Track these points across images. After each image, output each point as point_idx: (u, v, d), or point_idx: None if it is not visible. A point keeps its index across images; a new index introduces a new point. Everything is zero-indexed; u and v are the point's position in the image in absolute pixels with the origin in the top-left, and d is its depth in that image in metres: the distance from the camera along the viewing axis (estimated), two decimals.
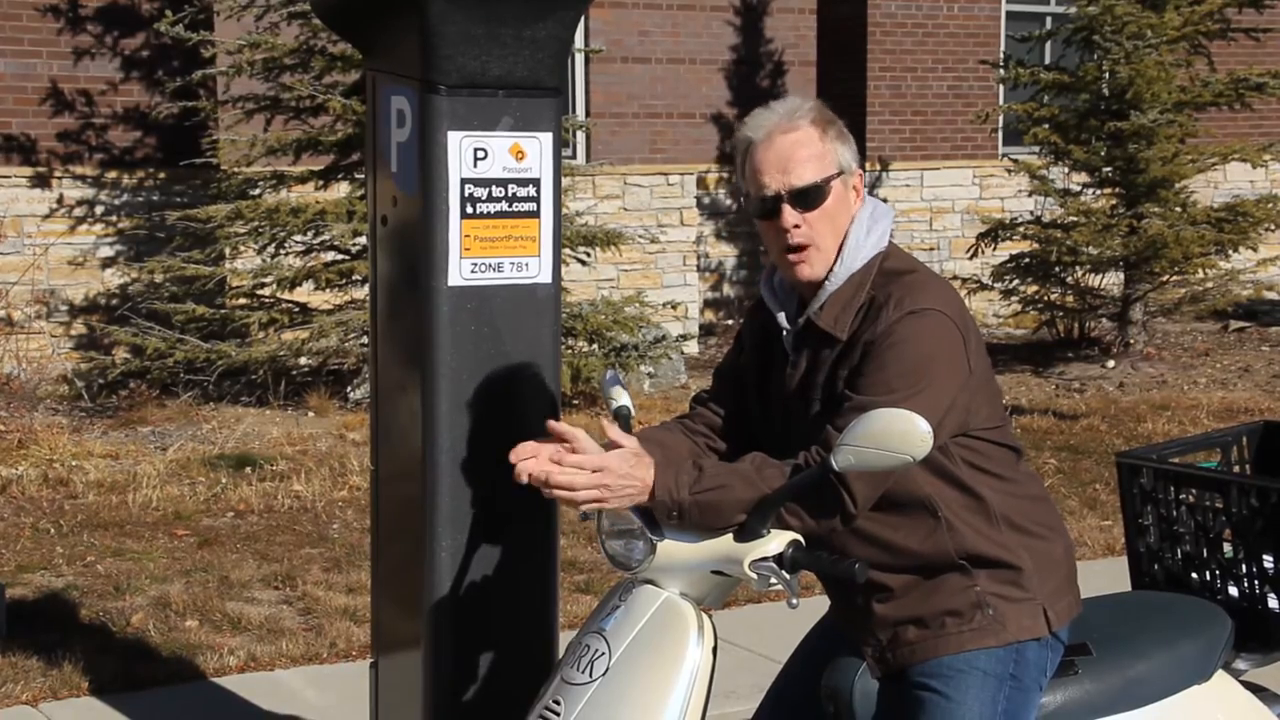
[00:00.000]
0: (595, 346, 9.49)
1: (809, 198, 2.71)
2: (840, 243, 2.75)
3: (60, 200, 10.67)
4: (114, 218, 10.79)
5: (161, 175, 10.90)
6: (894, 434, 2.42)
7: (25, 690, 4.96)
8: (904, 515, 2.74)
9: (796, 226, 2.72)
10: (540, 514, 3.45)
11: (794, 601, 2.54)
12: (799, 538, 2.57)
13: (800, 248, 2.73)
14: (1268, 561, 3.18)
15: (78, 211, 10.72)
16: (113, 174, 10.82)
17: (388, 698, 3.67)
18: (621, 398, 2.99)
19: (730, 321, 12.72)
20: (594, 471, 2.58)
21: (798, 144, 2.71)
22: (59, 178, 10.68)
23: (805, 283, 2.77)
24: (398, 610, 3.61)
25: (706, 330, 12.50)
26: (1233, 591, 3.26)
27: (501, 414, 3.39)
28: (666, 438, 2.91)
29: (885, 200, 13.41)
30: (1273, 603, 3.18)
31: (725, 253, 13.10)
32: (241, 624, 5.66)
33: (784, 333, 2.81)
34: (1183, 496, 3.31)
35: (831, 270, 2.74)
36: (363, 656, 5.15)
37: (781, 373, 2.81)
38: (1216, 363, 11.42)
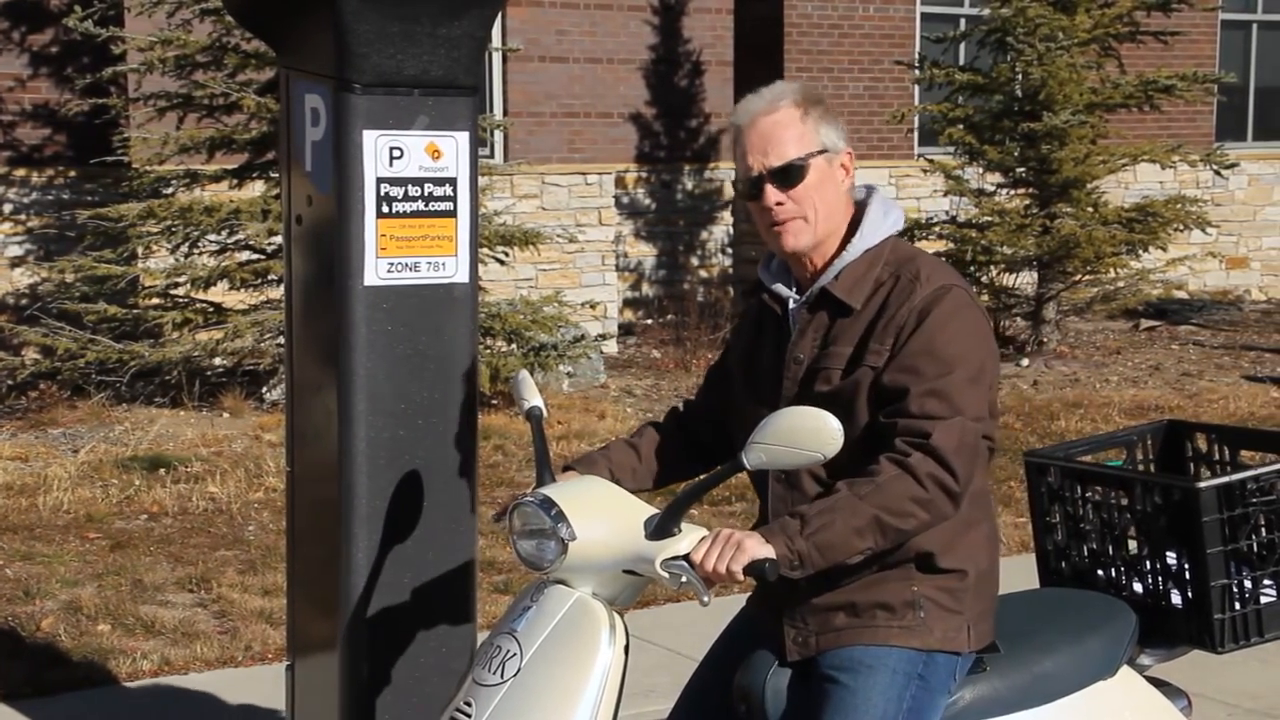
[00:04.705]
0: (514, 346, 9.46)
1: (789, 175, 2.78)
2: (851, 220, 2.83)
3: None
4: (23, 216, 10.61)
5: (72, 173, 10.73)
6: (805, 431, 2.44)
7: None
8: None
9: (779, 204, 2.79)
10: (458, 515, 3.44)
11: (705, 599, 2.54)
12: (708, 535, 2.58)
13: (783, 220, 2.79)
14: (1170, 558, 3.22)
15: None
16: (21, 172, 10.63)
17: (304, 700, 3.64)
18: (533, 398, 2.99)
19: (650, 321, 12.72)
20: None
21: (777, 124, 2.79)
22: None
23: (791, 254, 2.83)
24: (314, 612, 3.58)
25: (625, 329, 12.50)
26: (1137, 588, 3.30)
27: (419, 414, 3.37)
28: (612, 455, 2.98)
29: None
30: (1175, 599, 3.22)
31: (644, 252, 13.11)
32: (155, 628, 5.59)
33: (790, 305, 2.86)
34: (1088, 495, 3.35)
35: (849, 243, 2.82)
36: (279, 659, 5.10)
37: (775, 350, 2.86)
38: (1128, 361, 11.60)
